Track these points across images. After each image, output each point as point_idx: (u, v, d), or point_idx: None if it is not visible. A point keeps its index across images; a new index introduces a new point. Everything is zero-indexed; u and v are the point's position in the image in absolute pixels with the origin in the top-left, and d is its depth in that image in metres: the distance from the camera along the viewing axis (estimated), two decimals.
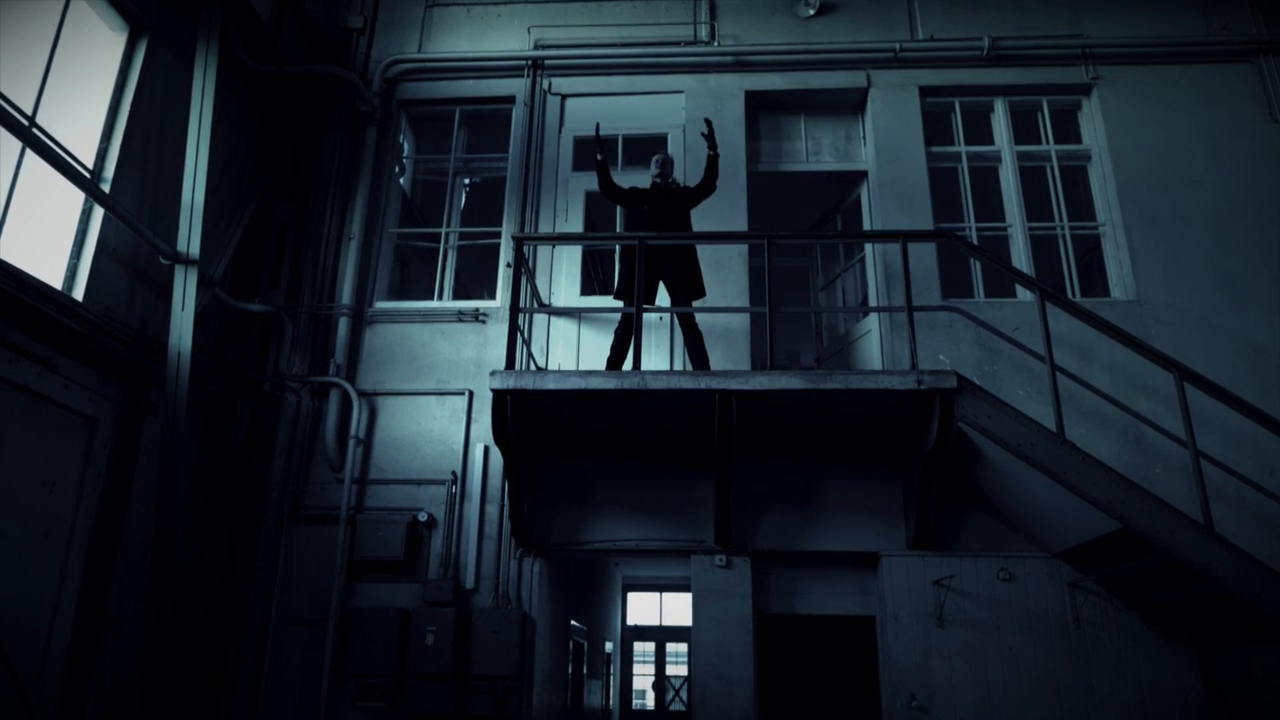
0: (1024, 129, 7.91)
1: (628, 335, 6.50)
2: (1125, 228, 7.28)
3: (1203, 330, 6.90)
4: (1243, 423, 6.04)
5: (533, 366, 7.05)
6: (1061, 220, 7.54)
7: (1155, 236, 7.23)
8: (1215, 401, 5.54)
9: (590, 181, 7.88)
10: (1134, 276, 7.13)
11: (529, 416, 6.12)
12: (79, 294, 5.48)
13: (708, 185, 6.69)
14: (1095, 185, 7.66)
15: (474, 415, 7.04)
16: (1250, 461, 6.17)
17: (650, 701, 16.33)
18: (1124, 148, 7.54)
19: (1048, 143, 7.83)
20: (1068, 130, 7.94)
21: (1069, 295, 7.29)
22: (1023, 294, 7.29)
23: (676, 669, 16.27)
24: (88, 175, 5.65)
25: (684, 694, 15.84)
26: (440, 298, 7.77)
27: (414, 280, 8.96)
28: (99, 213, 5.68)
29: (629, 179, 7.42)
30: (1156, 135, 7.56)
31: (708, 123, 6.68)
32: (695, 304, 6.59)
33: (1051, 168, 7.73)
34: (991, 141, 7.88)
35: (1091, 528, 5.58)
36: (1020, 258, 7.39)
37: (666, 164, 6.80)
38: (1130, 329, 6.16)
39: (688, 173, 7.53)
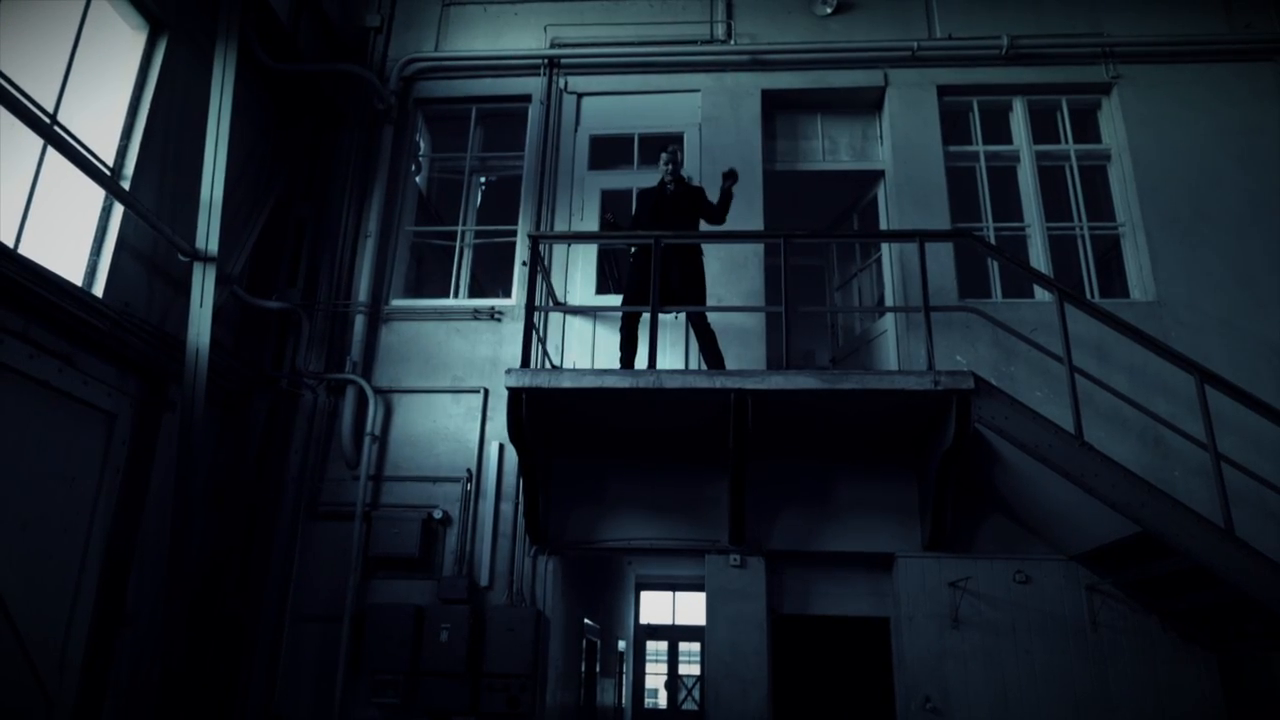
0: (1043, 128, 7.85)
1: (631, 336, 6.53)
2: (1145, 228, 7.21)
3: (1223, 332, 6.83)
4: (1264, 425, 5.97)
5: (548, 365, 7.05)
6: (1080, 220, 7.48)
7: (1175, 237, 7.16)
8: (1236, 404, 5.48)
9: (606, 180, 7.92)
10: (1154, 277, 7.06)
11: (544, 415, 6.12)
12: (99, 290, 5.53)
13: (720, 218, 6.70)
14: (1115, 185, 7.60)
15: (489, 413, 7.06)
16: (1272, 465, 6.08)
17: (663, 701, 16.34)
18: (1144, 147, 7.48)
19: (1067, 142, 7.76)
20: (1087, 129, 7.88)
21: (1088, 296, 7.23)
22: (1041, 294, 7.23)
23: (689, 668, 16.27)
24: (108, 173, 5.70)
25: (696, 693, 15.83)
26: (456, 296, 7.79)
27: (430, 278, 8.99)
28: (119, 210, 5.73)
29: (645, 179, 7.42)
30: (1177, 135, 7.49)
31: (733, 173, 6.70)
32: (711, 303, 6.58)
33: (1071, 167, 7.67)
34: (1010, 141, 7.82)
35: (1109, 530, 5.54)
36: (1038, 258, 7.34)
37: (675, 157, 6.78)
38: (1150, 330, 6.09)
39: (703, 174, 7.51)
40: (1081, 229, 7.47)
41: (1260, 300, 6.90)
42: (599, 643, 10.50)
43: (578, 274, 7.56)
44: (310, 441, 7.09)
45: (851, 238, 8.37)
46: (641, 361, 6.47)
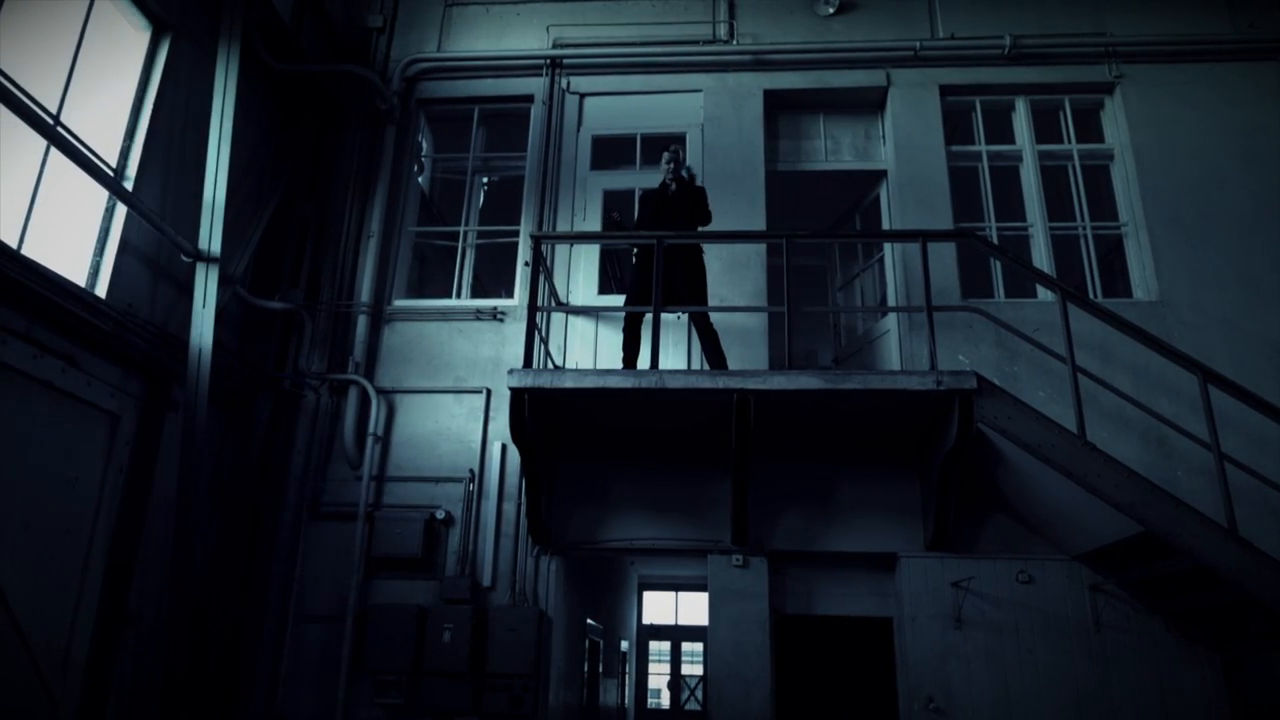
0: (1046, 128, 7.84)
1: (634, 336, 6.54)
2: (1148, 228, 7.20)
3: (1226, 331, 6.82)
4: (1267, 425, 5.96)
5: (550, 365, 7.05)
6: (1083, 220, 7.47)
7: (1179, 237, 7.15)
8: (1239, 403, 5.48)
9: (608, 180, 7.92)
10: (1157, 277, 7.05)
11: (547, 415, 6.12)
12: (102, 291, 5.54)
13: (705, 218, 6.76)
14: (1118, 185, 7.59)
15: (492, 413, 7.06)
16: (1275, 464, 6.06)
17: (665, 701, 16.32)
18: (1147, 147, 7.46)
19: (1070, 142, 7.76)
20: (1090, 129, 7.87)
21: (1091, 296, 7.22)
22: (1044, 294, 7.22)
23: (692, 668, 16.26)
24: (111, 173, 5.70)
25: (699, 694, 15.82)
26: (458, 296, 7.80)
27: (432, 278, 9.00)
28: (122, 210, 5.73)
29: (648, 179, 7.43)
30: (1180, 134, 7.47)
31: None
32: (714, 303, 6.58)
33: (1073, 167, 7.66)
34: (1013, 140, 7.82)
35: (1113, 530, 5.53)
36: (1041, 258, 7.33)
37: (676, 157, 6.78)
38: (1153, 330, 6.08)
39: (705, 175, 7.51)
40: (1084, 229, 7.46)
41: (1263, 300, 6.89)
42: (601, 643, 10.50)
43: (580, 274, 7.56)
44: (313, 442, 7.10)
45: (854, 238, 8.36)
46: (644, 362, 6.48)
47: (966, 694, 6.02)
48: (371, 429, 6.97)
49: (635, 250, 6.86)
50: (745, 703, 6.17)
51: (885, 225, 7.65)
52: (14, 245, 4.81)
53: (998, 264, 7.35)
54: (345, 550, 6.72)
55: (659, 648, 16.36)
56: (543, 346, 6.89)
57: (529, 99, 8.16)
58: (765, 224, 7.45)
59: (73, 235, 5.53)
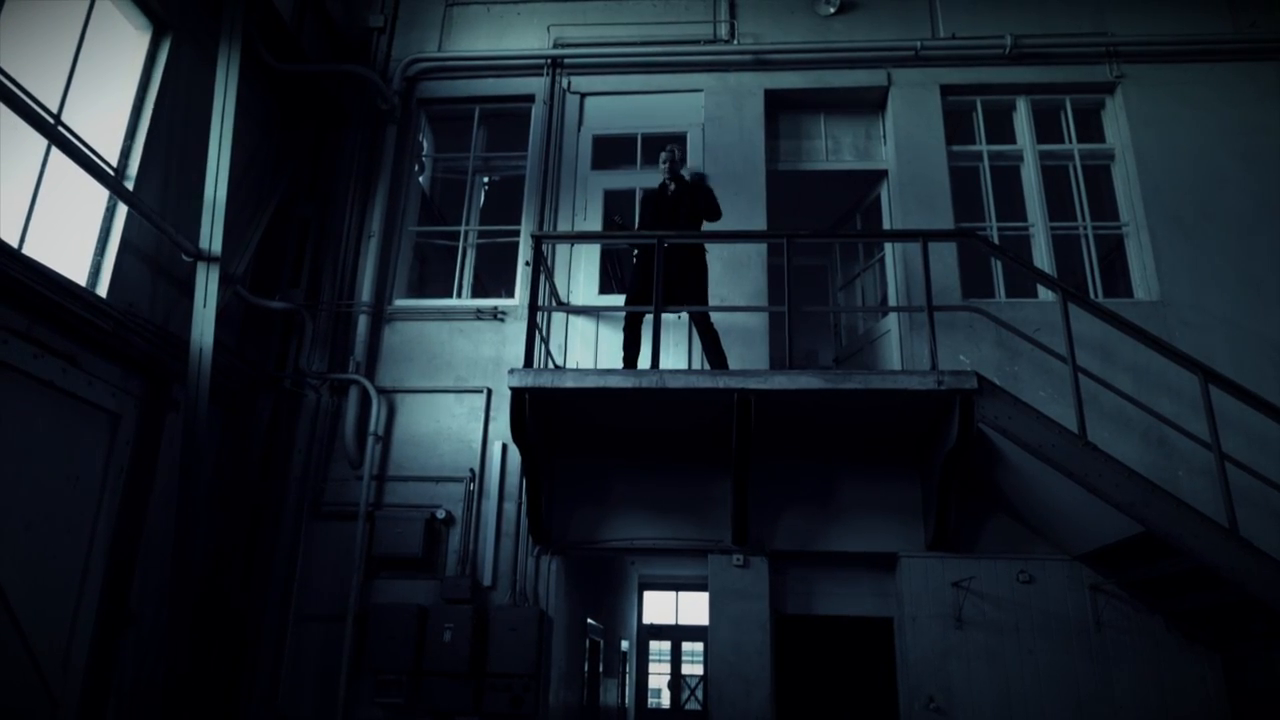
0: (1046, 128, 7.83)
1: (634, 336, 6.55)
2: (1149, 227, 7.20)
3: (1227, 331, 6.82)
4: (1268, 425, 5.95)
5: (551, 365, 7.05)
6: (1084, 220, 7.46)
7: (1180, 237, 7.15)
8: (1240, 403, 5.48)
9: (609, 180, 7.92)
10: (1158, 277, 7.05)
11: (547, 415, 6.13)
12: (103, 291, 5.54)
13: (713, 213, 6.72)
14: (1119, 185, 7.58)
15: (492, 413, 7.06)
16: (1275, 464, 6.06)
17: (666, 701, 16.33)
18: (1148, 147, 7.46)
19: (1071, 142, 7.75)
20: (1091, 129, 7.86)
21: (1091, 296, 7.21)
22: (1044, 294, 7.22)
23: (692, 668, 16.26)
24: (112, 173, 5.70)
25: (699, 693, 15.82)
26: (459, 295, 7.80)
27: (433, 278, 8.99)
28: (123, 210, 5.74)
29: (648, 179, 7.43)
30: (1182, 134, 7.47)
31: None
32: (714, 303, 6.57)
33: (1074, 167, 7.66)
34: (1013, 140, 7.81)
35: (1113, 530, 5.53)
36: (1042, 258, 7.33)
37: (673, 157, 6.77)
38: (1154, 330, 6.08)
39: (706, 173, 7.50)
40: (1085, 229, 7.45)
41: (1264, 300, 6.89)
42: (602, 643, 10.50)
43: (580, 274, 7.56)
44: (313, 441, 7.10)
45: (854, 237, 8.35)
46: (644, 361, 6.48)
47: (967, 694, 6.02)
48: (372, 428, 6.98)
49: (636, 250, 6.86)
50: (746, 702, 6.17)
51: (886, 225, 7.65)
52: (15, 245, 4.81)
53: (998, 264, 7.34)
54: (346, 550, 6.72)
55: (659, 647, 16.37)
56: (543, 346, 6.89)
57: (530, 99, 8.16)
58: (766, 224, 7.44)
59: (74, 235, 5.53)
